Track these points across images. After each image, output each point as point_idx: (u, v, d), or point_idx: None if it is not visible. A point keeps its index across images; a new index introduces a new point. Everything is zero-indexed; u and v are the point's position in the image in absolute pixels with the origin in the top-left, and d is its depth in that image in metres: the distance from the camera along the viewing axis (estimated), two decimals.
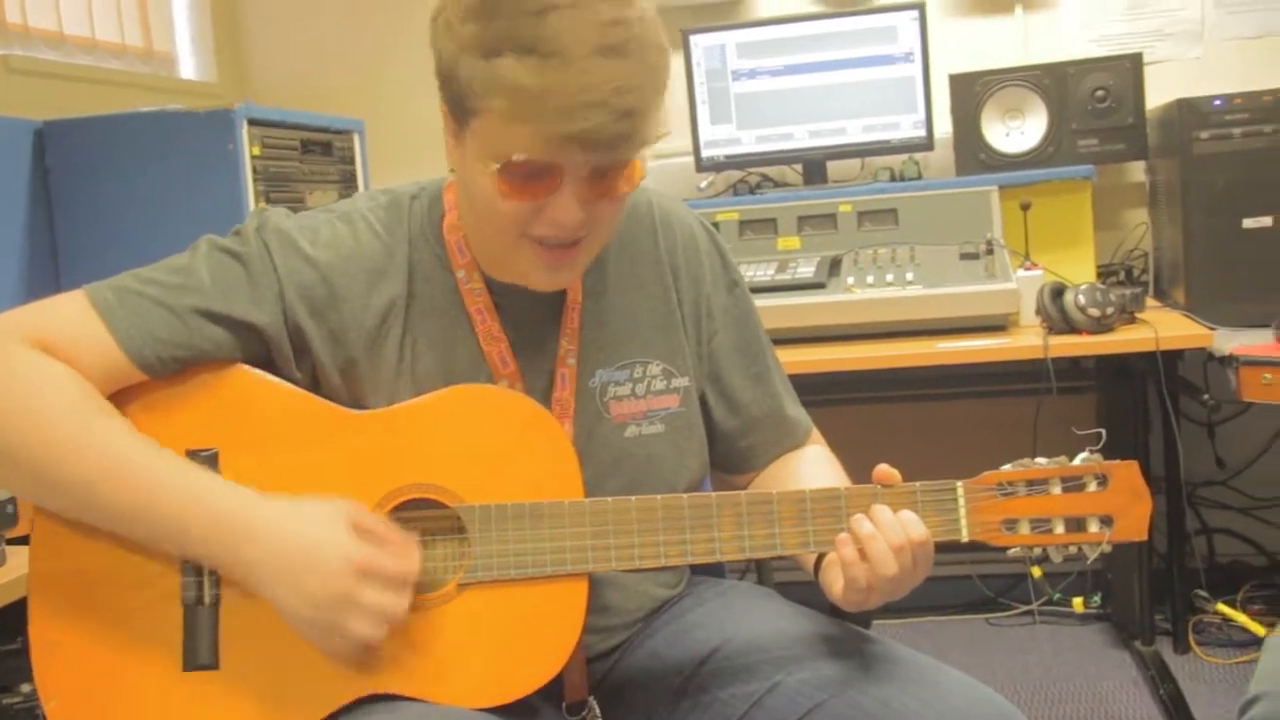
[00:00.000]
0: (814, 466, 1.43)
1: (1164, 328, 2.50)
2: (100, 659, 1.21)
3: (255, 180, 2.41)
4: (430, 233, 1.32)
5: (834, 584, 1.22)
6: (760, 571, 1.69)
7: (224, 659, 1.22)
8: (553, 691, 1.27)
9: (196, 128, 2.39)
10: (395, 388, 1.29)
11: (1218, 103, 2.70)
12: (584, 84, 1.10)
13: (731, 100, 3.11)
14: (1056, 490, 1.22)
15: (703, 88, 3.11)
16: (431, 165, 1.25)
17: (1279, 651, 1.16)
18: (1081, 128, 2.94)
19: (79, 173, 2.43)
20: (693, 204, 2.95)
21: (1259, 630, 2.74)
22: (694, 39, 3.11)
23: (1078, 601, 3.06)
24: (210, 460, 1.24)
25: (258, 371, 1.27)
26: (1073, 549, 1.23)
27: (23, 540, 1.30)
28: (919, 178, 3.06)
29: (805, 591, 1.35)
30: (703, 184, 3.23)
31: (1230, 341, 2.43)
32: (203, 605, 1.22)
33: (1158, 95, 2.93)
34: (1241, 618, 2.78)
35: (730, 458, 1.46)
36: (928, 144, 3.05)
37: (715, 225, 2.72)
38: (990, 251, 2.65)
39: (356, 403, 1.28)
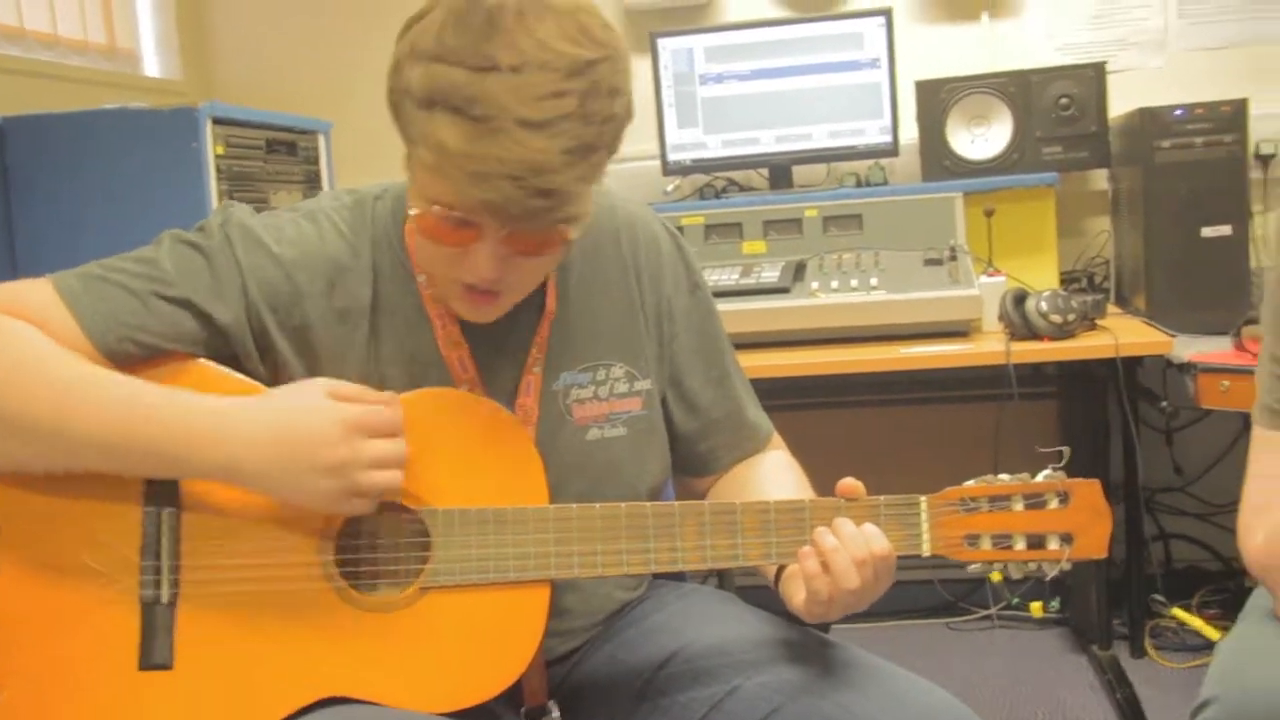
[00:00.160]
0: (775, 472, 1.43)
1: (1124, 334, 2.52)
2: (55, 656, 1.20)
3: (219, 180, 2.39)
4: (394, 235, 1.31)
5: (795, 595, 1.23)
6: (721, 576, 1.70)
7: (179, 659, 1.21)
8: (512, 696, 1.27)
9: (160, 126, 2.37)
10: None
11: (1179, 112, 2.72)
12: (505, 155, 1.09)
13: (698, 104, 3.11)
14: (1018, 507, 1.24)
15: (670, 91, 3.12)
16: (397, 168, 1.25)
17: (1231, 655, 1.18)
18: (1045, 135, 2.96)
19: (39, 171, 2.40)
20: (658, 207, 2.96)
21: (1214, 634, 2.76)
22: (662, 42, 3.12)
23: (1036, 606, 3.09)
24: None
25: (219, 366, 1.26)
26: (1032, 566, 1.24)
27: None
28: (884, 183, 3.07)
29: (766, 596, 1.35)
30: (669, 187, 3.23)
31: (1189, 349, 2.46)
32: (160, 604, 1.21)
33: (1121, 104, 2.96)
34: (1196, 622, 2.81)
35: (690, 461, 1.46)
36: (893, 150, 3.06)
37: (680, 229, 2.73)
38: (954, 257, 2.67)
39: None
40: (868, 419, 3.24)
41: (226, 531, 1.22)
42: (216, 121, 2.40)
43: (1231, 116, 2.70)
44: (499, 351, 1.32)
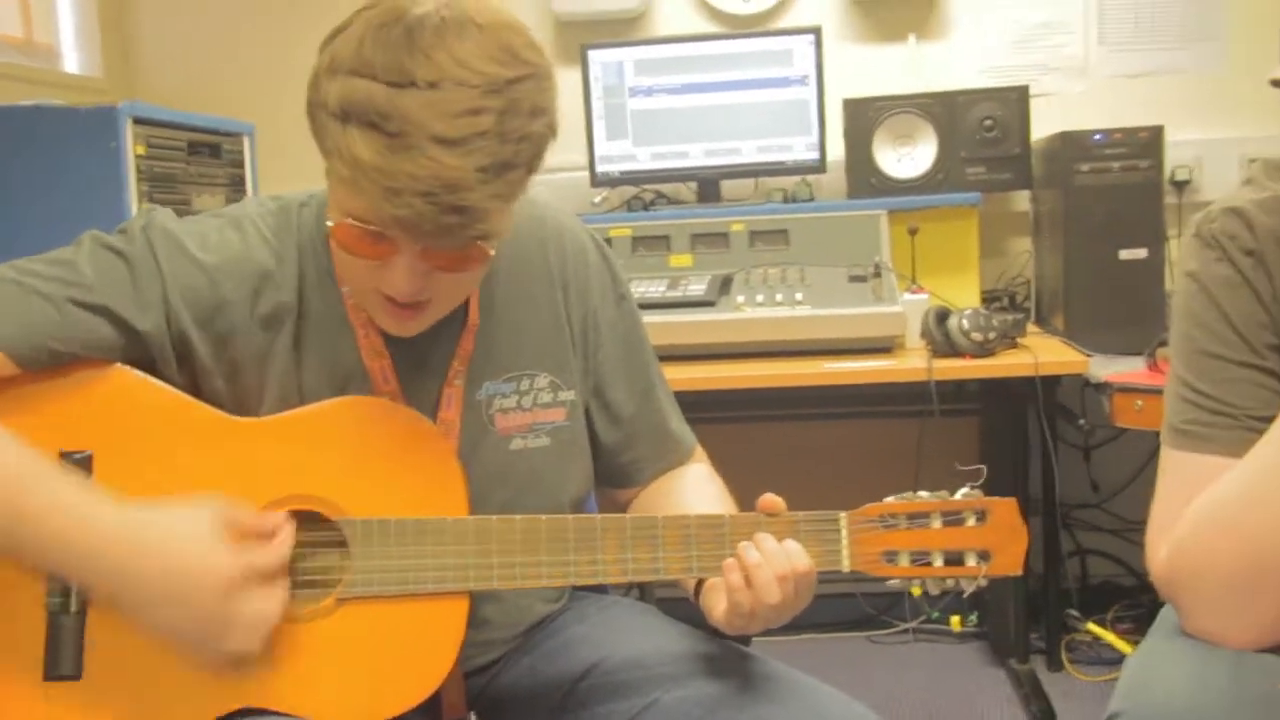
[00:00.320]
0: (696, 486, 1.44)
1: (1043, 353, 2.57)
2: None
3: (140, 181, 2.34)
4: (319, 243, 1.30)
5: (716, 607, 1.23)
6: (642, 589, 1.70)
7: (88, 670, 1.18)
8: (431, 707, 1.26)
9: (77, 124, 2.31)
10: (280, 396, 1.27)
11: (1098, 137, 2.77)
12: (418, 172, 1.07)
13: (628, 117, 3.12)
14: (937, 524, 1.25)
15: (600, 103, 3.12)
16: (322, 174, 1.24)
17: (1138, 669, 1.20)
18: (970, 156, 3.00)
19: None
20: (586, 219, 2.94)
21: (1127, 648, 2.81)
22: (592, 54, 3.12)
23: (955, 621, 3.13)
24: (84, 463, 1.20)
25: (139, 373, 1.24)
26: (950, 582, 1.26)
27: None
28: (811, 200, 3.09)
29: (687, 609, 1.35)
30: (597, 199, 3.23)
31: (1105, 368, 2.51)
32: (68, 614, 1.19)
33: (1044, 127, 3.01)
34: (1110, 636, 2.86)
35: (612, 472, 1.46)
36: (820, 167, 3.09)
37: (608, 241, 2.71)
38: (878, 274, 2.69)
39: (240, 409, 1.26)
40: (791, 433, 3.26)
41: None
42: (137, 121, 2.35)
43: (1148, 142, 2.76)
44: (421, 363, 1.31)
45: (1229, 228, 1.26)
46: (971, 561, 1.25)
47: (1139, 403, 2.37)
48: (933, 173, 3.00)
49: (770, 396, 2.71)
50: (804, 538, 1.22)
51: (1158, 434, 1.29)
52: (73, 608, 1.19)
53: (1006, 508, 1.25)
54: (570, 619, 1.42)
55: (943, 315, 2.57)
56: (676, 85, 3.11)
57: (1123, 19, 3.25)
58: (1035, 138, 3.03)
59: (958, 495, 1.26)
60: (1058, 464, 2.85)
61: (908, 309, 2.62)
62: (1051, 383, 2.70)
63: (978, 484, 1.27)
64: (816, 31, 3.07)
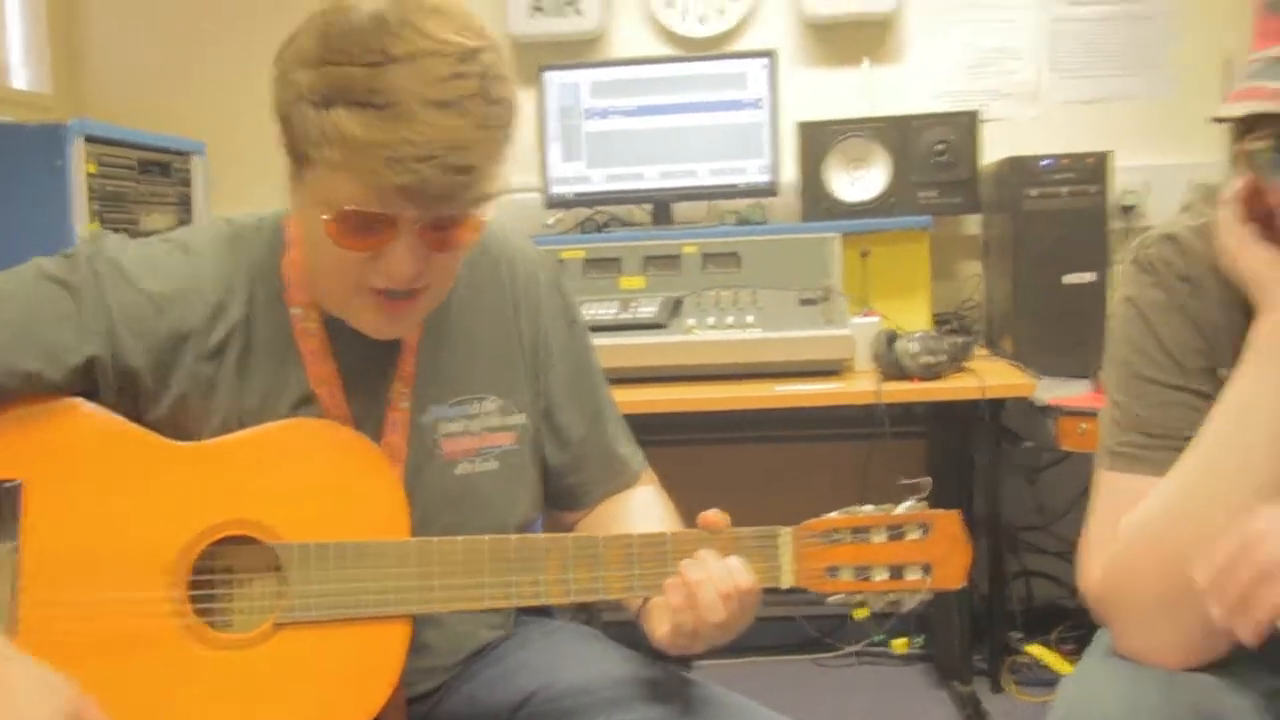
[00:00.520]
0: (643, 508, 1.44)
1: (990, 377, 2.59)
2: None
3: (91, 199, 2.33)
4: (270, 267, 1.30)
5: (659, 627, 1.23)
6: (589, 613, 1.70)
7: None
8: None
9: (23, 141, 2.29)
10: (224, 422, 1.26)
11: (1046, 162, 2.81)
12: (416, 138, 1.09)
13: (583, 138, 3.13)
14: (880, 538, 1.25)
15: (555, 124, 3.13)
16: (276, 192, 1.24)
17: (1072, 691, 1.21)
18: (921, 180, 3.03)
19: None
20: (539, 240, 2.94)
21: (1067, 669, 2.83)
22: (548, 75, 3.13)
23: (899, 643, 3.13)
24: (13, 492, 1.19)
25: (75, 399, 1.23)
26: (893, 596, 1.26)
27: None
28: (763, 222, 3.11)
29: (634, 632, 1.35)
30: (550, 220, 3.23)
31: (1051, 392, 2.53)
32: None
33: (995, 152, 3.04)
34: (1051, 657, 2.88)
35: (560, 494, 1.46)
36: (773, 190, 3.11)
37: (560, 262, 2.75)
38: (829, 297, 2.71)
39: (182, 436, 1.25)
40: (742, 456, 3.26)
41: (71, 566, 1.18)
42: (88, 139, 2.34)
43: (1095, 168, 2.80)
44: (368, 387, 1.31)
45: (1164, 253, 1.28)
46: (914, 575, 1.25)
47: (1083, 426, 2.39)
48: (885, 196, 3.02)
49: (721, 419, 2.71)
50: (746, 554, 1.22)
51: None
52: None
53: (949, 520, 1.25)
54: (513, 646, 1.41)
55: (892, 338, 2.59)
56: (632, 107, 3.12)
57: (1073, 46, 3.29)
58: (986, 162, 3.06)
59: (901, 509, 1.26)
60: (1004, 486, 2.87)
61: (858, 332, 2.64)
62: (998, 406, 2.71)
63: (922, 496, 1.27)
64: (771, 55, 3.10)
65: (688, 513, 1.40)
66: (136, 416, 1.25)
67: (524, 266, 1.43)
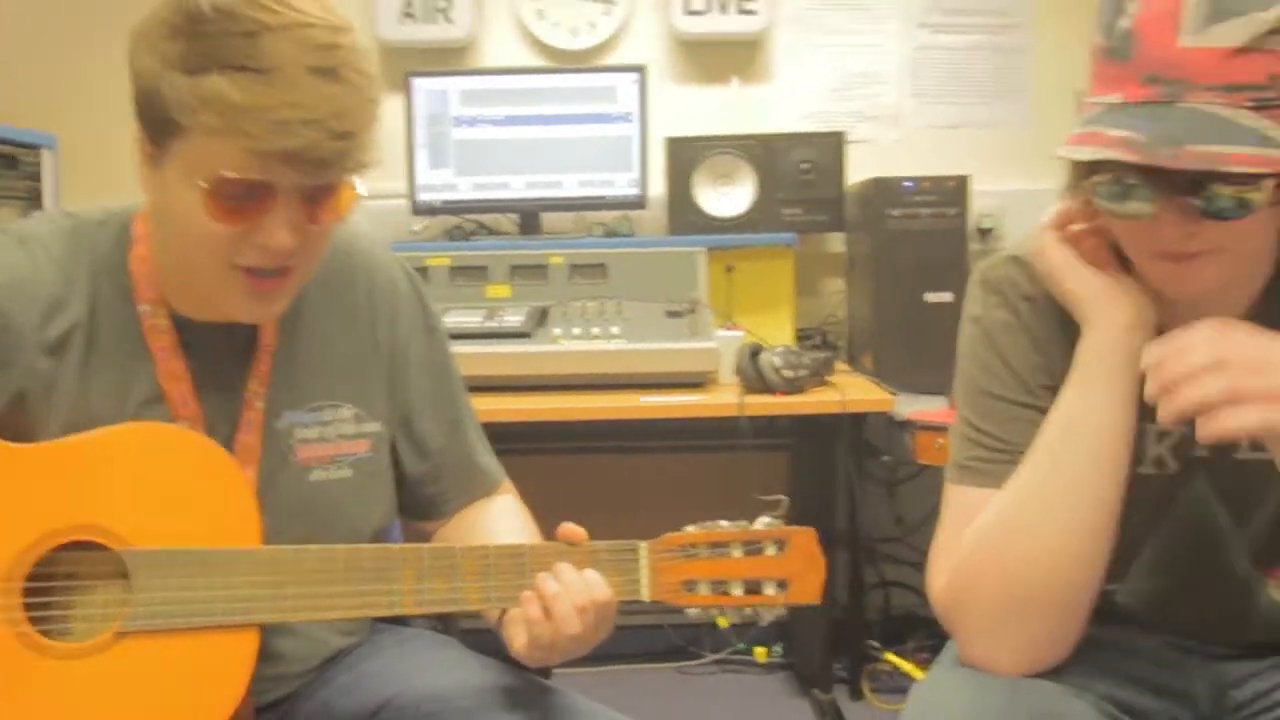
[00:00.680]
0: (501, 518, 1.44)
1: (851, 391, 2.63)
2: None
3: None
4: (115, 263, 1.26)
5: (516, 639, 1.23)
6: (445, 621, 1.68)
7: None
8: None
9: None
10: (67, 424, 1.22)
11: (908, 184, 2.89)
12: (299, 101, 1.09)
13: (451, 146, 3.11)
14: (737, 553, 1.26)
15: (423, 131, 3.10)
16: (126, 184, 1.20)
17: (920, 698, 1.24)
18: (787, 197, 3.08)
19: None
20: (405, 247, 2.94)
21: (922, 677, 2.90)
22: (416, 82, 3.10)
23: (760, 651, 3.17)
24: None
25: None
26: (749, 611, 1.27)
27: None
28: (631, 235, 3.13)
29: (493, 640, 1.34)
30: (417, 227, 3.20)
31: (909, 407, 2.59)
32: None
33: (859, 172, 3.10)
34: (908, 666, 2.94)
35: (417, 503, 1.45)
36: (641, 203, 3.13)
37: (425, 270, 2.72)
38: (694, 310, 2.73)
39: (21, 437, 1.20)
40: (606, 466, 3.27)
41: None
42: None
43: (955, 191, 2.89)
44: (221, 385, 1.28)
45: (1010, 274, 1.33)
46: (770, 590, 1.27)
47: (940, 440, 2.46)
48: (751, 212, 3.06)
49: (585, 429, 2.72)
50: (604, 567, 1.23)
51: None
52: None
53: (805, 537, 1.28)
54: (366, 652, 1.39)
55: (755, 351, 2.63)
56: (501, 117, 3.11)
57: (937, 73, 3.38)
58: (850, 182, 3.12)
59: (757, 524, 1.28)
60: (863, 498, 2.93)
61: (722, 345, 2.67)
62: (858, 420, 2.77)
63: (778, 513, 1.29)
64: (641, 70, 3.12)
65: (550, 523, 1.40)
66: None
67: (383, 274, 1.42)
